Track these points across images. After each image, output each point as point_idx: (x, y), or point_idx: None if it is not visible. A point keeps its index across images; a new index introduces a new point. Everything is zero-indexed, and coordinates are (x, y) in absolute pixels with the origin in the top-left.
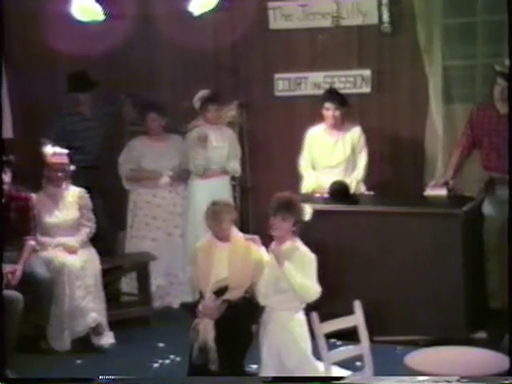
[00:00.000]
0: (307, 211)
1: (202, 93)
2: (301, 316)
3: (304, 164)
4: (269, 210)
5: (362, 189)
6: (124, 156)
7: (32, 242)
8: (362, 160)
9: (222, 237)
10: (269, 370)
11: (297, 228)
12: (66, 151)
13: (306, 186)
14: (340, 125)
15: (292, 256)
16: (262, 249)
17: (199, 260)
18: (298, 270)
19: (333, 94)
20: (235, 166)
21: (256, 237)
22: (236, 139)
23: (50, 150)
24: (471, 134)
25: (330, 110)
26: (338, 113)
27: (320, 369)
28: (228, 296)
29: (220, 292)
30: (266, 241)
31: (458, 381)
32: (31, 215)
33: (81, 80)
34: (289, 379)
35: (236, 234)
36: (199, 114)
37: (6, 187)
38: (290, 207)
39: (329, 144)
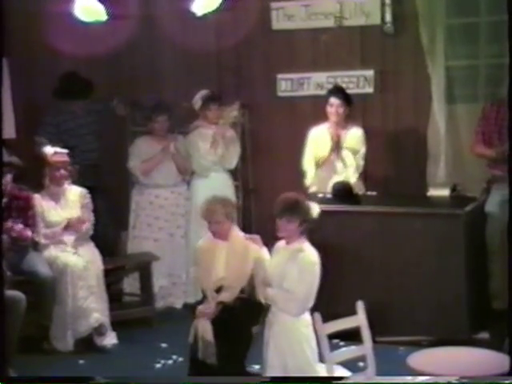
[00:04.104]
0: (315, 210)
1: (203, 92)
2: (306, 316)
3: (307, 160)
4: (274, 212)
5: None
6: (133, 151)
7: (29, 233)
8: (359, 159)
9: (217, 232)
10: (275, 371)
11: (304, 228)
12: (65, 150)
13: (308, 181)
14: (343, 124)
15: (295, 257)
16: (264, 249)
17: (200, 259)
18: (298, 273)
19: (338, 91)
20: (233, 163)
21: (256, 236)
22: (236, 138)
23: (50, 149)
24: (481, 131)
25: (333, 107)
26: (341, 110)
27: (321, 372)
28: (223, 296)
29: (219, 291)
30: (268, 241)
31: (460, 381)
32: (31, 214)
33: (77, 85)
34: (290, 379)
35: (236, 233)
36: (200, 114)
37: (8, 187)
38: (295, 208)
39: (330, 142)
